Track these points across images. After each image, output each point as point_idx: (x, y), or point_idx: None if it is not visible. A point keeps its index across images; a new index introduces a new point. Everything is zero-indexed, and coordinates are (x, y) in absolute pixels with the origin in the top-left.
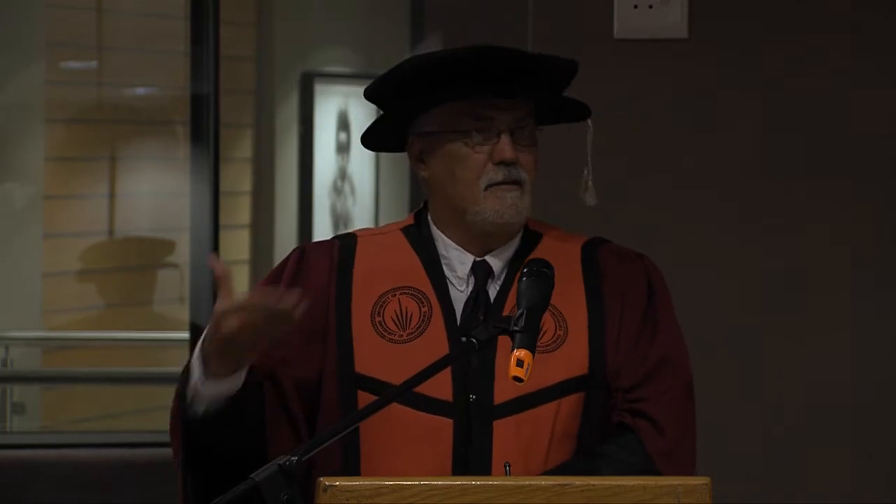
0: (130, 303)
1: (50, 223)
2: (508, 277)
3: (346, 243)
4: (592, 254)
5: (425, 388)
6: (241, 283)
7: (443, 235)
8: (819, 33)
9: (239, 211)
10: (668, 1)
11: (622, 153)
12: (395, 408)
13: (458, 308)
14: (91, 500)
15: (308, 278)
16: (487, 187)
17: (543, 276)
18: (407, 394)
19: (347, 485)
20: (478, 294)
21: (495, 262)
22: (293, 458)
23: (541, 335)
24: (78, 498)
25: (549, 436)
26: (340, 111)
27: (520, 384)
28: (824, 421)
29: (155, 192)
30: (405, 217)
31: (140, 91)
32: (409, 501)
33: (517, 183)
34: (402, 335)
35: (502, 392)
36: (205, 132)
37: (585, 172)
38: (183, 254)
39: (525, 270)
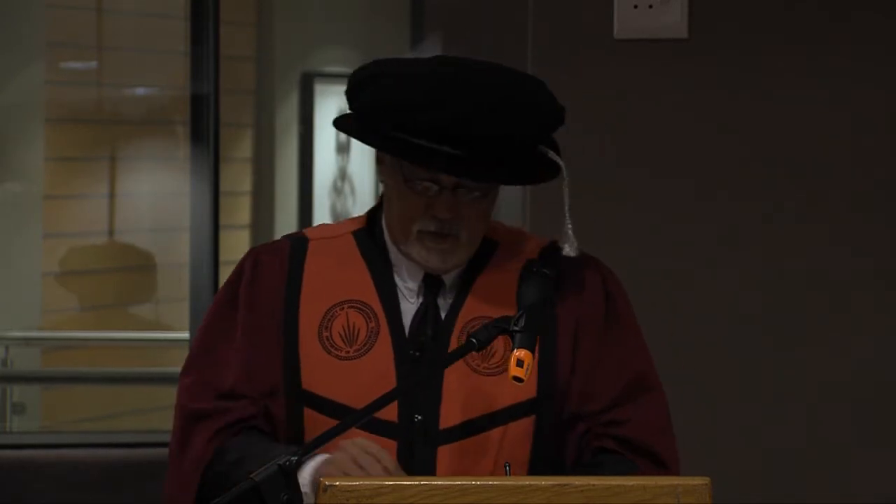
0: (130, 303)
1: (50, 223)
2: (461, 291)
3: (296, 248)
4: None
5: None
6: None
7: (393, 244)
8: (819, 33)
9: (239, 211)
10: (668, 1)
11: (622, 153)
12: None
13: (408, 321)
14: (91, 500)
15: (262, 287)
16: (419, 233)
17: (543, 276)
18: (352, 413)
19: (347, 485)
20: (427, 308)
21: (447, 276)
22: (293, 458)
23: (490, 355)
24: (78, 498)
25: (494, 462)
26: (340, 111)
27: (467, 412)
28: (824, 421)
29: (155, 192)
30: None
31: (140, 91)
32: (409, 501)
33: (450, 236)
34: (348, 351)
35: (448, 416)
36: (205, 132)
37: (566, 225)
38: (183, 254)
39: (525, 271)
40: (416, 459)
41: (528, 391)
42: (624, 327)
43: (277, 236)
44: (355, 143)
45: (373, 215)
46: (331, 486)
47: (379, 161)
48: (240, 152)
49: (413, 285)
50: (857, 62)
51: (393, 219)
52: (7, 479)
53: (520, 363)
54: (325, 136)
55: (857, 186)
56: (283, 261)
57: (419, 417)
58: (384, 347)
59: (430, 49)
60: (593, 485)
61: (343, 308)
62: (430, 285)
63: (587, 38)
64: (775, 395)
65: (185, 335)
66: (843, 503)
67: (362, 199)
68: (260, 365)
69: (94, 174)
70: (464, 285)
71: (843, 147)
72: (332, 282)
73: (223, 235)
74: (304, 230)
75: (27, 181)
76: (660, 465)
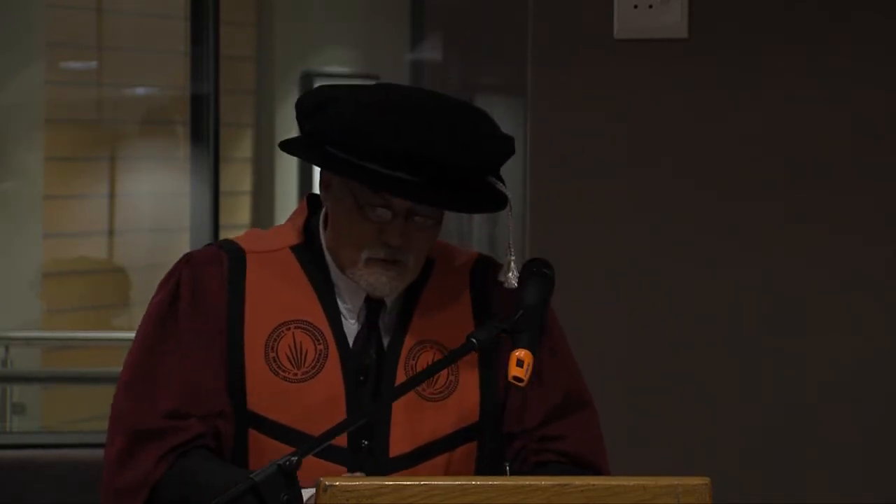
0: (130, 303)
1: (50, 223)
2: (403, 312)
3: (234, 259)
4: (479, 283)
5: (318, 432)
6: None
7: (333, 264)
8: (819, 33)
9: (239, 211)
10: (668, 1)
11: (622, 153)
12: (287, 451)
13: (351, 343)
14: (91, 500)
15: (203, 301)
16: (368, 259)
17: (543, 276)
18: (299, 436)
19: (347, 485)
20: (369, 331)
21: (388, 297)
22: (293, 458)
23: (434, 382)
24: (78, 498)
25: None
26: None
27: (415, 437)
28: (824, 421)
29: (155, 192)
30: (286, 225)
31: (140, 91)
32: (408, 501)
33: (399, 262)
34: (296, 374)
35: (398, 443)
36: (205, 132)
37: (509, 256)
38: (183, 254)
39: (525, 271)
40: None
41: (471, 415)
42: (555, 346)
43: None
44: None
45: (308, 228)
46: (331, 486)
47: (325, 186)
48: (240, 152)
49: (353, 307)
50: (857, 62)
51: (339, 244)
52: (7, 479)
53: (520, 363)
54: None
55: (857, 186)
56: (222, 274)
57: (366, 443)
58: (333, 370)
59: (430, 49)
60: (593, 485)
61: (289, 328)
62: (372, 307)
63: (587, 38)
64: (775, 395)
65: None
66: (843, 503)
67: None
68: (205, 384)
69: (94, 174)
70: (405, 307)
71: (843, 147)
72: (276, 300)
73: (223, 235)
74: (234, 238)
75: (27, 181)
76: (595, 471)
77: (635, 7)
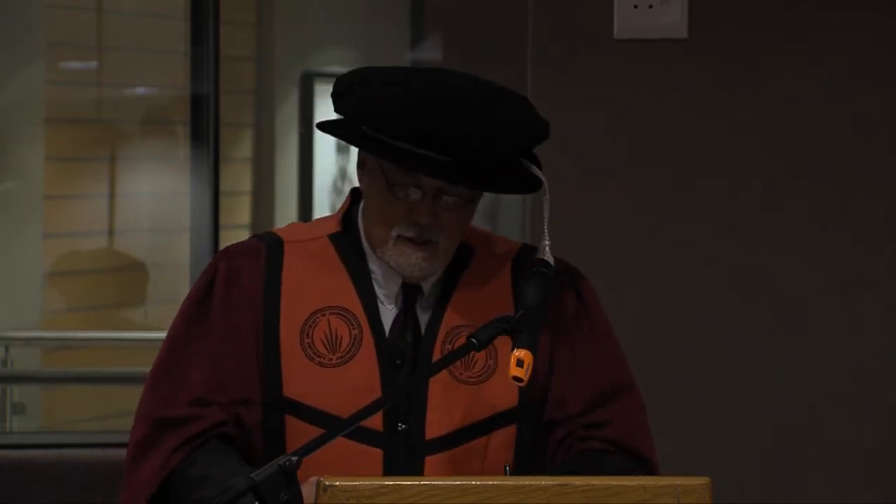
0: (130, 303)
1: (50, 223)
2: (441, 298)
3: (272, 250)
4: (522, 271)
5: None
6: None
7: (370, 250)
8: (819, 33)
9: (239, 211)
10: (668, 1)
11: (622, 153)
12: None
13: (387, 328)
14: (91, 500)
15: (238, 291)
16: (397, 238)
17: (543, 276)
18: (337, 421)
19: (347, 485)
20: (406, 315)
21: (425, 283)
22: (293, 458)
23: (471, 364)
24: (78, 498)
25: (480, 469)
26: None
27: (450, 421)
28: (824, 421)
29: (155, 192)
30: (329, 216)
31: (140, 91)
32: (409, 501)
33: (429, 242)
34: (331, 359)
35: (434, 426)
36: (205, 132)
37: (544, 241)
38: (183, 254)
39: (525, 271)
40: (402, 469)
41: (510, 400)
42: (597, 332)
43: None
44: None
45: (347, 218)
46: (331, 485)
47: (360, 165)
48: (240, 152)
49: (391, 292)
50: (857, 62)
51: (371, 223)
52: (7, 479)
53: (520, 363)
54: (325, 136)
55: (857, 186)
56: (259, 264)
57: (403, 426)
58: (368, 354)
59: (430, 49)
60: (593, 485)
61: (325, 314)
62: (409, 292)
63: (587, 38)
64: (775, 395)
65: None
66: (843, 503)
67: None
68: (234, 372)
69: (94, 174)
70: (443, 293)
71: (843, 147)
72: (312, 287)
73: (223, 235)
74: (274, 230)
75: (27, 181)
76: (642, 463)
77: (635, 7)
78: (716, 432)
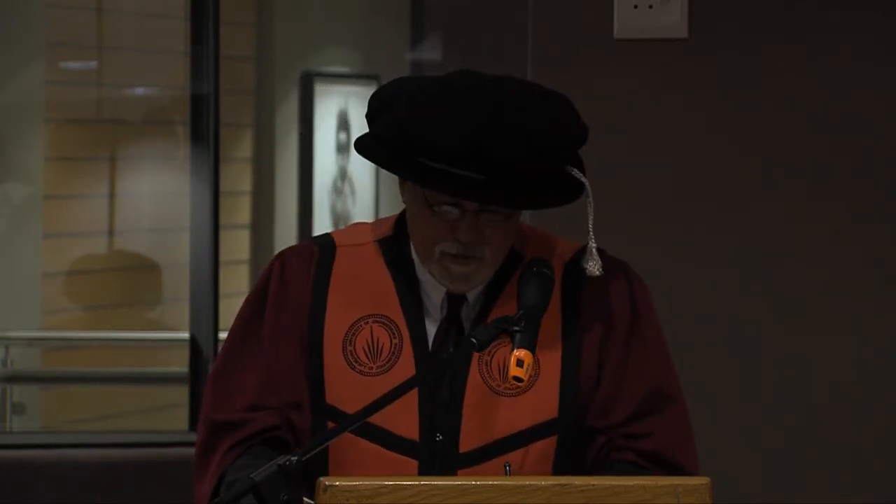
0: (130, 303)
1: (50, 223)
2: (485, 306)
3: (324, 253)
4: (574, 277)
5: (392, 426)
6: (240, 283)
7: (417, 258)
8: (819, 33)
9: (239, 211)
10: (668, 1)
11: (621, 153)
12: (363, 443)
13: (431, 337)
14: (91, 500)
15: (289, 293)
16: (441, 254)
17: (543, 276)
18: (374, 429)
19: (347, 485)
20: (449, 325)
21: (470, 292)
22: (293, 458)
23: (510, 377)
24: (78, 498)
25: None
26: (340, 111)
27: (487, 431)
28: (824, 421)
29: (155, 192)
30: (389, 217)
31: (140, 91)
32: (409, 501)
33: (473, 258)
34: (371, 367)
35: (468, 437)
36: (205, 132)
37: (590, 243)
38: (183, 254)
39: (525, 270)
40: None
41: (550, 411)
42: (648, 339)
43: (278, 236)
44: None
45: (399, 223)
46: (331, 486)
47: (401, 182)
48: (240, 152)
49: (436, 300)
50: (857, 62)
51: (416, 239)
52: (7, 479)
53: (520, 363)
54: (325, 136)
55: (857, 186)
56: (310, 267)
57: (440, 437)
58: (406, 364)
59: (430, 49)
60: (593, 485)
61: (367, 322)
62: (454, 301)
63: (587, 38)
64: (775, 395)
65: (185, 335)
66: (843, 503)
67: (362, 199)
68: (284, 376)
69: (94, 174)
70: (487, 302)
71: (843, 147)
72: (357, 294)
73: (223, 235)
74: (333, 232)
75: (27, 181)
76: (683, 476)
77: (635, 7)
78: (716, 432)
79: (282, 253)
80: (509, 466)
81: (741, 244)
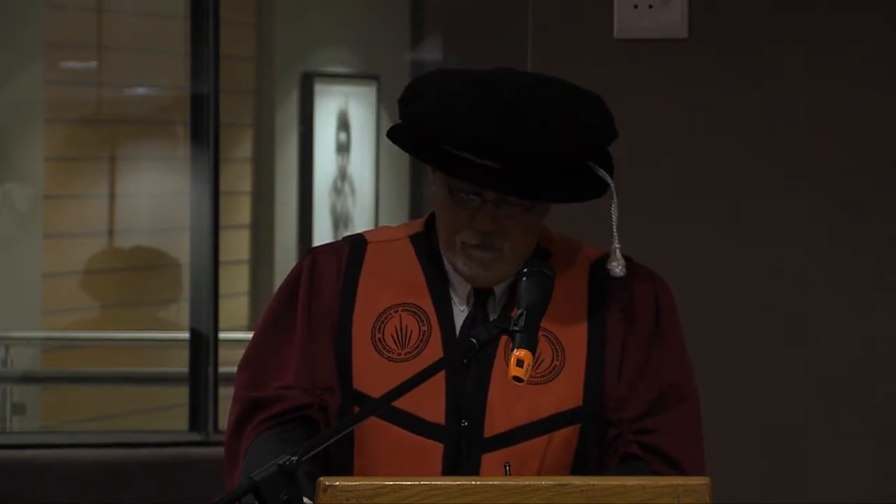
0: (130, 303)
1: (50, 223)
2: (510, 301)
3: (355, 249)
4: (601, 276)
5: (419, 410)
6: (241, 283)
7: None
8: (819, 33)
9: (239, 211)
10: (668, 1)
11: (621, 153)
12: (389, 427)
13: (458, 328)
14: (91, 500)
15: (320, 286)
16: (462, 244)
17: (543, 276)
18: (401, 414)
19: (347, 485)
20: (475, 315)
21: (498, 286)
22: (293, 458)
23: (537, 364)
24: (78, 498)
25: (539, 468)
26: (340, 111)
27: (511, 417)
28: (824, 421)
29: (155, 192)
30: (415, 219)
31: (140, 91)
32: (409, 501)
33: (492, 249)
34: (400, 354)
35: (493, 423)
36: (205, 132)
37: (614, 244)
38: (183, 254)
39: (525, 271)
40: (461, 467)
41: (575, 400)
42: (669, 340)
43: (278, 236)
44: (355, 143)
45: (431, 220)
46: (331, 486)
47: (431, 171)
48: (240, 152)
49: (463, 293)
50: (857, 62)
51: (440, 228)
52: (7, 479)
53: (520, 363)
54: (325, 136)
55: (857, 186)
56: (340, 261)
57: (466, 423)
58: (435, 351)
59: (431, 49)
60: (593, 485)
61: (397, 311)
62: (480, 293)
63: (587, 38)
64: (775, 395)
65: (185, 335)
66: (844, 503)
67: (362, 199)
68: (317, 361)
69: (94, 174)
70: (513, 296)
71: (843, 147)
72: (388, 284)
73: (223, 235)
74: (364, 232)
75: (27, 181)
76: (675, 467)
77: (635, 7)
78: (716, 432)
79: (312, 248)
80: (509, 466)
81: (741, 243)
